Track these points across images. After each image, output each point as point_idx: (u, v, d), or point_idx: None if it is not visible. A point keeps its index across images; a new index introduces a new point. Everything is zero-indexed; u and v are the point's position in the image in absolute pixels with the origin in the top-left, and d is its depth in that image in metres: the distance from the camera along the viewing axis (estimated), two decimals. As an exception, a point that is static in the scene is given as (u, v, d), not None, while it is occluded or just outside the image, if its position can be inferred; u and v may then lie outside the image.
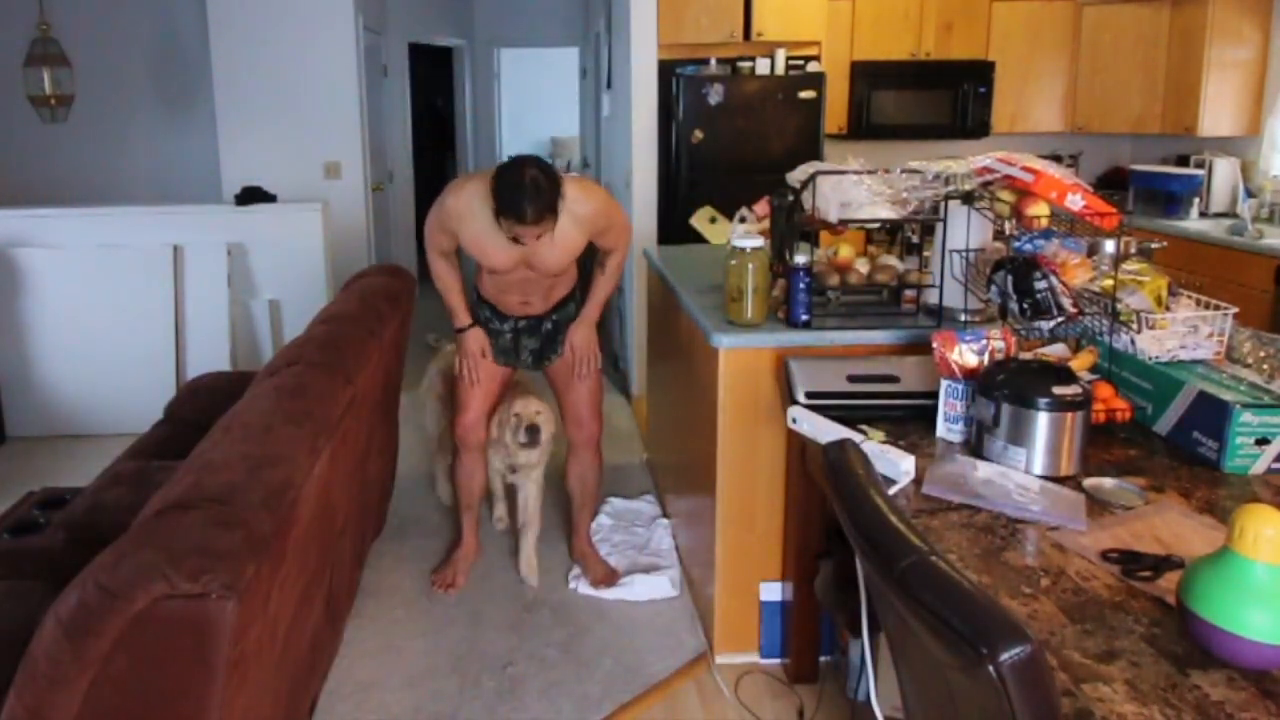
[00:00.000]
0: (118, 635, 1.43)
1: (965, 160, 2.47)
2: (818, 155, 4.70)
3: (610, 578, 3.15)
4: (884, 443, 1.96)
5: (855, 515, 1.33)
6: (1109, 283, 2.12)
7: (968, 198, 2.41)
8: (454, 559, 3.23)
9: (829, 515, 2.35)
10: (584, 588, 3.12)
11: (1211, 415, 1.85)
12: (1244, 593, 1.21)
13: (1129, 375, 2.10)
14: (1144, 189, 5.18)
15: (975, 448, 1.95)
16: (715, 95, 4.75)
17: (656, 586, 3.09)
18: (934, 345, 2.07)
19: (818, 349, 2.47)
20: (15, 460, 4.37)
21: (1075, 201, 2.12)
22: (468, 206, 2.71)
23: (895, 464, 1.83)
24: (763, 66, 4.82)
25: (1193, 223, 4.84)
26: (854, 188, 2.47)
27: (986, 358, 2.03)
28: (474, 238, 2.76)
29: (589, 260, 3.04)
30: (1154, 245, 2.51)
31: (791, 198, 2.59)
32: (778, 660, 2.71)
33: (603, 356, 3.14)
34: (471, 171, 2.96)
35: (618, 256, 2.93)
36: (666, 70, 4.80)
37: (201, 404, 3.09)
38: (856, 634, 1.93)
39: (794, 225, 2.56)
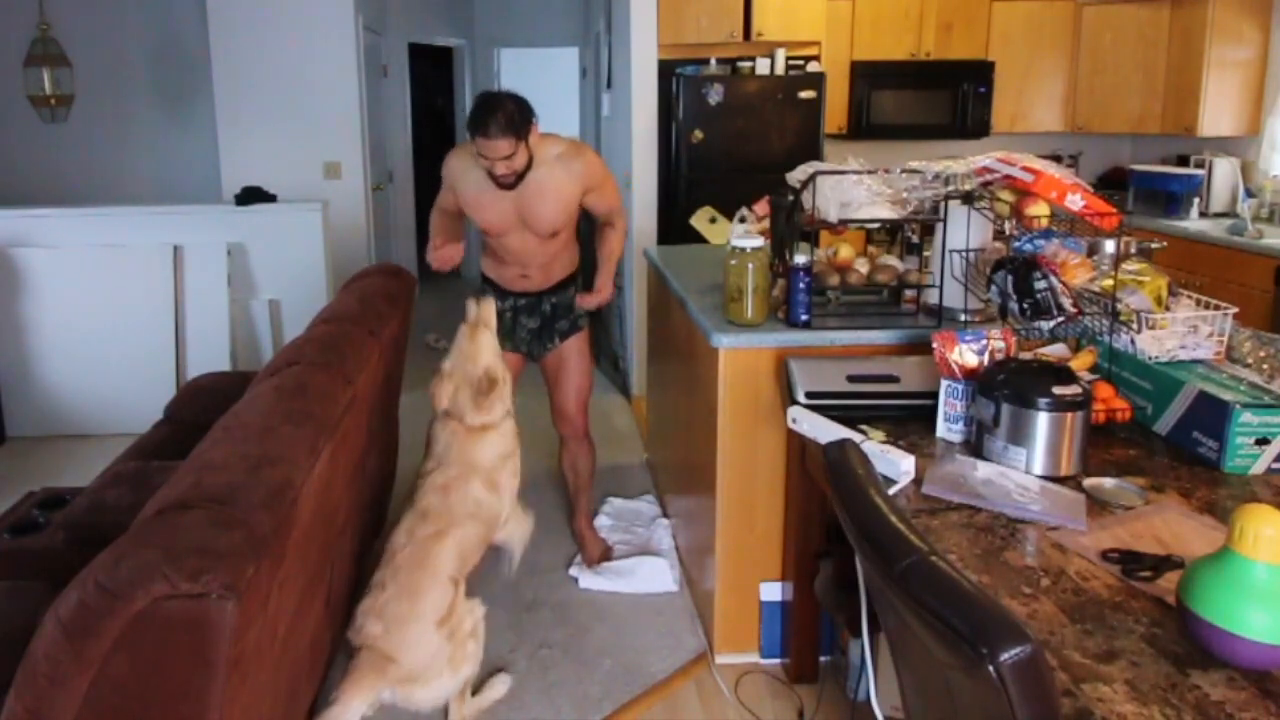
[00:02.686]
0: (118, 635, 1.43)
1: (965, 160, 2.47)
2: (818, 155, 4.70)
3: (606, 554, 3.25)
4: (884, 443, 1.96)
5: (855, 515, 1.33)
6: (1109, 283, 2.12)
7: (968, 198, 2.41)
8: None
9: (829, 515, 2.35)
10: (584, 580, 3.14)
11: (1211, 415, 1.85)
12: (1244, 593, 1.21)
13: (1129, 375, 2.10)
14: (1144, 189, 5.18)
15: (975, 448, 1.95)
16: (715, 95, 4.76)
17: (656, 571, 3.13)
18: (934, 345, 2.07)
19: (818, 349, 2.47)
20: (15, 460, 4.36)
21: (1075, 201, 2.12)
22: (464, 164, 2.86)
23: (895, 464, 1.83)
24: (763, 66, 4.82)
25: (1193, 223, 4.84)
26: (854, 188, 2.47)
27: (986, 358, 2.03)
28: (469, 194, 2.89)
29: (590, 257, 3.05)
30: (1154, 245, 2.52)
31: (791, 198, 2.59)
32: (778, 660, 2.71)
33: (601, 356, 3.15)
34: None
35: (620, 217, 3.03)
36: (666, 70, 4.81)
37: (201, 404, 3.09)
38: (856, 634, 1.93)
39: (794, 225, 2.56)
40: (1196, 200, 4.94)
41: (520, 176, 2.75)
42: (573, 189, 2.85)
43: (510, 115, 2.62)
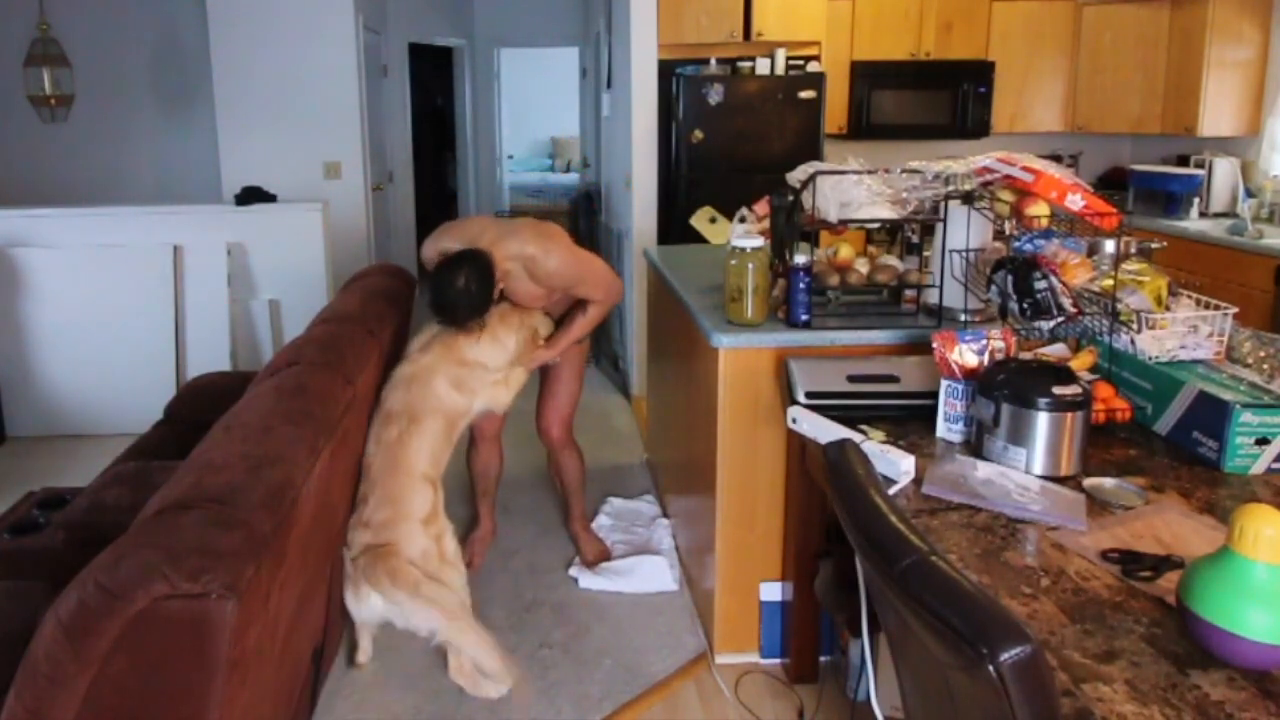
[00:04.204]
0: (118, 635, 1.43)
1: (965, 160, 2.46)
2: (818, 155, 4.70)
3: (603, 554, 3.27)
4: (884, 443, 1.96)
5: (855, 515, 1.33)
6: (1109, 283, 2.12)
7: (968, 198, 2.41)
8: (472, 539, 3.34)
9: (829, 515, 2.35)
10: (585, 580, 3.15)
11: (1211, 415, 1.85)
12: (1244, 593, 1.21)
13: (1129, 375, 2.10)
14: (1144, 189, 5.18)
15: (975, 448, 1.95)
16: (715, 95, 4.76)
17: (656, 570, 3.13)
18: (934, 345, 2.07)
19: (818, 349, 2.47)
20: (15, 460, 4.37)
21: (1075, 201, 2.12)
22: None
23: (895, 464, 1.83)
24: (763, 66, 4.82)
25: (1193, 223, 4.84)
26: (854, 188, 2.46)
27: (986, 358, 2.03)
28: None
29: None
30: (1154, 245, 2.52)
31: (791, 198, 2.59)
32: (778, 660, 2.71)
33: (601, 356, 3.15)
34: (452, 222, 3.01)
35: (595, 309, 2.98)
36: (666, 70, 4.81)
37: (201, 404, 3.09)
38: (856, 634, 1.93)
39: (794, 225, 2.56)
40: (1196, 200, 4.94)
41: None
42: (534, 289, 2.86)
43: (473, 303, 2.63)
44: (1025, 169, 2.24)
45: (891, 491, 1.74)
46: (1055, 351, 2.21)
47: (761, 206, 2.98)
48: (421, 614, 2.37)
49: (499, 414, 2.97)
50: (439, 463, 2.64)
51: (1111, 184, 5.57)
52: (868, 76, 5.48)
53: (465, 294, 2.62)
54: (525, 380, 2.96)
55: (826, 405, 2.17)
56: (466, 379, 2.71)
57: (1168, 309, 2.16)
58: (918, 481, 1.81)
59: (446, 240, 2.83)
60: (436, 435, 2.62)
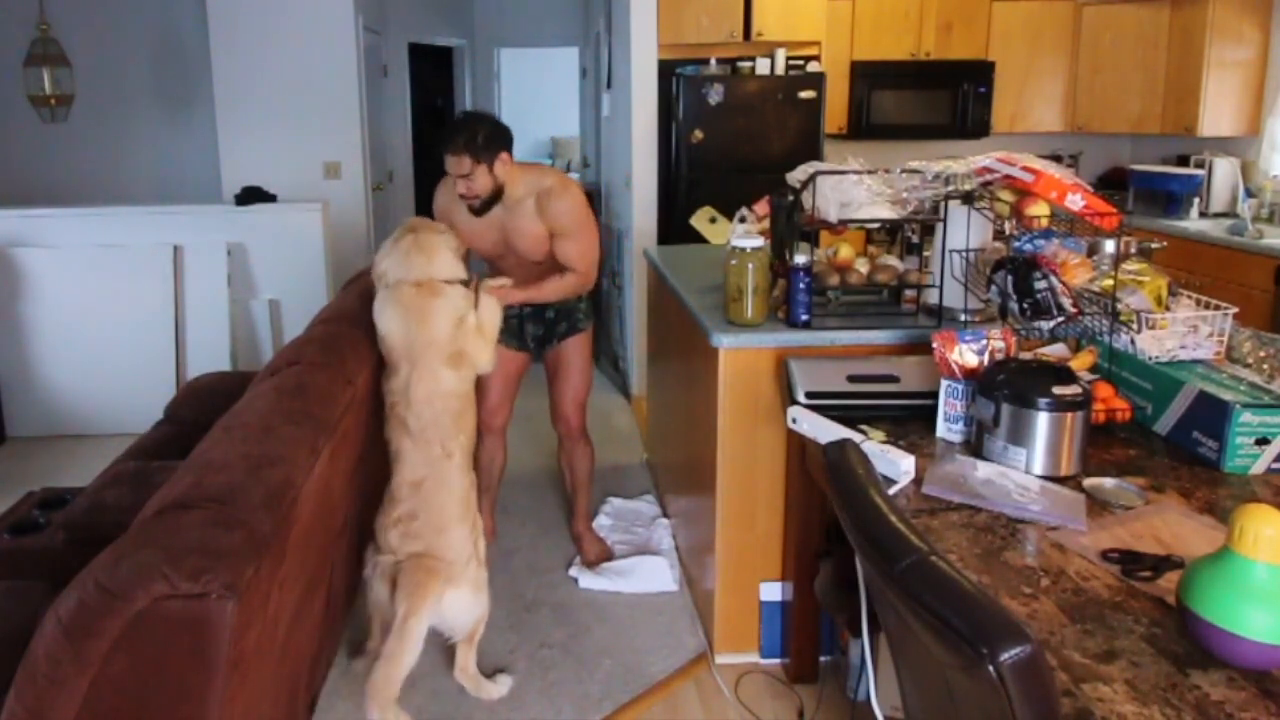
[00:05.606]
0: (118, 635, 1.43)
1: (965, 160, 2.47)
2: (818, 155, 4.70)
3: (604, 554, 3.27)
4: (884, 443, 1.96)
5: (855, 515, 1.33)
6: (1109, 283, 2.12)
7: (968, 198, 2.41)
8: None
9: (829, 515, 2.35)
10: (585, 580, 3.15)
11: (1211, 415, 1.85)
12: (1244, 593, 1.21)
13: (1129, 375, 2.10)
14: (1144, 189, 5.18)
15: (975, 448, 1.95)
16: (715, 95, 4.76)
17: (656, 570, 3.13)
18: (934, 345, 2.07)
19: (818, 349, 2.47)
20: (15, 460, 4.37)
21: (1075, 201, 2.12)
22: (450, 196, 2.90)
23: (895, 464, 1.83)
24: (763, 66, 4.82)
25: (1193, 223, 4.84)
26: (854, 188, 2.47)
27: (986, 358, 2.03)
28: (462, 225, 2.91)
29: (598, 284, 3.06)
30: (1154, 245, 2.52)
31: (791, 198, 2.59)
32: (778, 660, 2.71)
33: (601, 356, 3.14)
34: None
35: (572, 278, 2.95)
36: (666, 70, 4.81)
37: (201, 404, 3.09)
38: (856, 634, 1.93)
39: (794, 225, 2.56)
40: (1196, 200, 4.94)
41: (487, 204, 2.80)
42: (540, 229, 2.87)
43: (474, 136, 2.67)
44: (1025, 169, 2.24)
45: (891, 491, 1.74)
46: (1055, 351, 2.21)
47: (761, 206, 2.98)
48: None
49: (487, 371, 2.74)
50: (471, 440, 2.60)
51: (1111, 184, 5.57)
52: (868, 76, 5.48)
53: (476, 125, 2.68)
54: (499, 320, 2.73)
55: (826, 405, 2.17)
56: (455, 341, 2.56)
57: (1168, 309, 2.16)
58: (918, 481, 1.81)
59: (450, 179, 2.85)
60: (466, 419, 2.56)
